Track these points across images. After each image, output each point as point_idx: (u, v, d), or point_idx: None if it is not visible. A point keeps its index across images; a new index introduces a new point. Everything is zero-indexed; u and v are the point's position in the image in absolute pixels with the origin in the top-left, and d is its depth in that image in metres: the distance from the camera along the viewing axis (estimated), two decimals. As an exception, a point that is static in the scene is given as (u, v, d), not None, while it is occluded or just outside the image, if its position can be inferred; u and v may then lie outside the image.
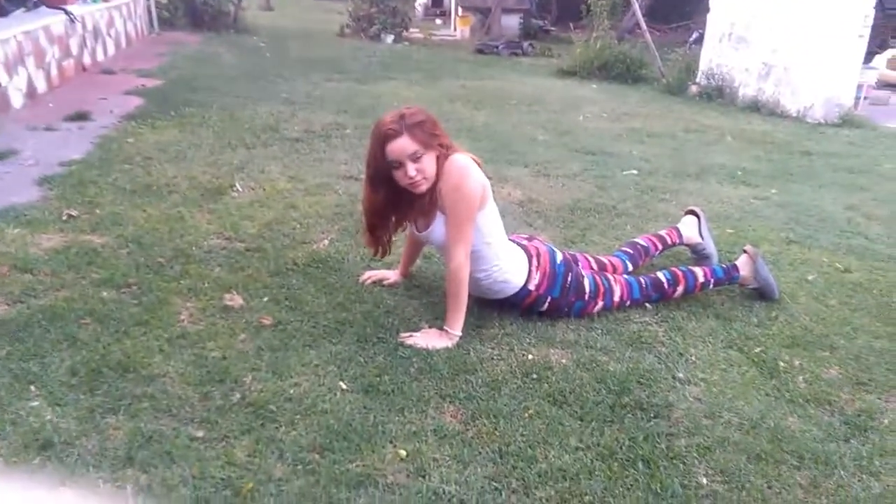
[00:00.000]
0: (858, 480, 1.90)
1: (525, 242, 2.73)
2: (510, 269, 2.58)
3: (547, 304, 2.63)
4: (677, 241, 3.22)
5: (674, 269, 2.90)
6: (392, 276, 2.85)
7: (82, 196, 3.56)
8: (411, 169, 2.30)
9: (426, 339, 2.42)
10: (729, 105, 8.09)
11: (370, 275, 2.84)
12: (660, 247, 3.16)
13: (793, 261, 3.42)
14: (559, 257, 2.70)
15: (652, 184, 4.59)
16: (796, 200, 4.46)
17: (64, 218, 3.26)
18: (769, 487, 1.85)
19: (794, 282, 3.17)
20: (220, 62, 8.66)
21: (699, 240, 3.24)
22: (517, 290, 2.60)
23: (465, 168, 2.37)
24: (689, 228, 3.25)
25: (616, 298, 2.73)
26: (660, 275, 2.85)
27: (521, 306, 2.65)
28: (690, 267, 2.94)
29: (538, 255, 2.65)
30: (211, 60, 8.72)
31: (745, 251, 3.02)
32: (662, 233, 3.23)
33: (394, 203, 2.47)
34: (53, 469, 1.71)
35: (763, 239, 3.67)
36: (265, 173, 4.17)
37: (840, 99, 7.51)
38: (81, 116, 5.22)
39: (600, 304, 2.71)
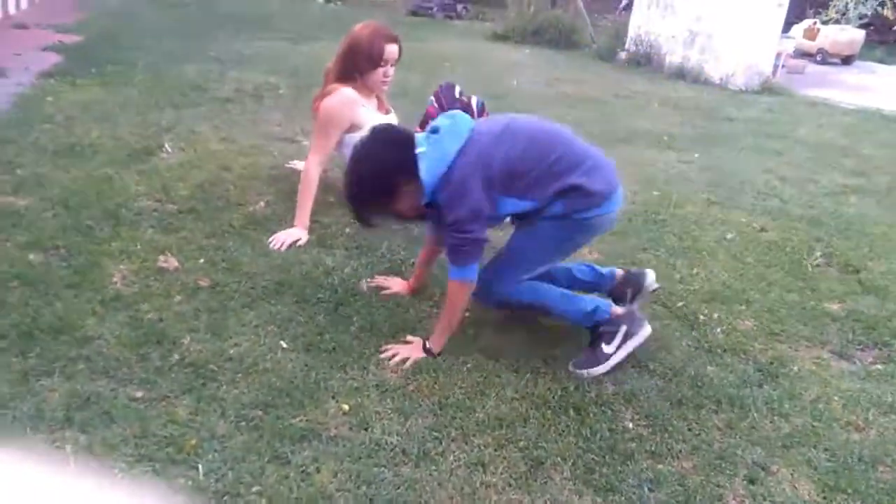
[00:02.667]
0: (770, 422, 2.06)
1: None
2: None
3: None
4: None
5: None
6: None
7: (1, 156, 3.40)
8: (391, 70, 2.80)
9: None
10: (656, 72, 8.30)
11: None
12: None
13: (713, 221, 3.60)
14: None
15: (583, 147, 4.70)
16: (718, 164, 4.66)
17: (-19, 179, 3.11)
18: (689, 430, 1.98)
19: (714, 240, 3.35)
20: (144, 18, 8.28)
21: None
22: None
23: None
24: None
25: None
26: None
27: None
28: None
29: None
30: (134, 16, 8.33)
31: None
32: None
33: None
34: (-12, 432, 1.68)
35: (687, 200, 3.84)
36: (196, 134, 4.07)
37: (760, 67, 7.82)
38: (-6, 73, 4.94)
39: None
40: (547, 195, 2.13)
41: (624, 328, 2.23)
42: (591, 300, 2.33)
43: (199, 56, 6.27)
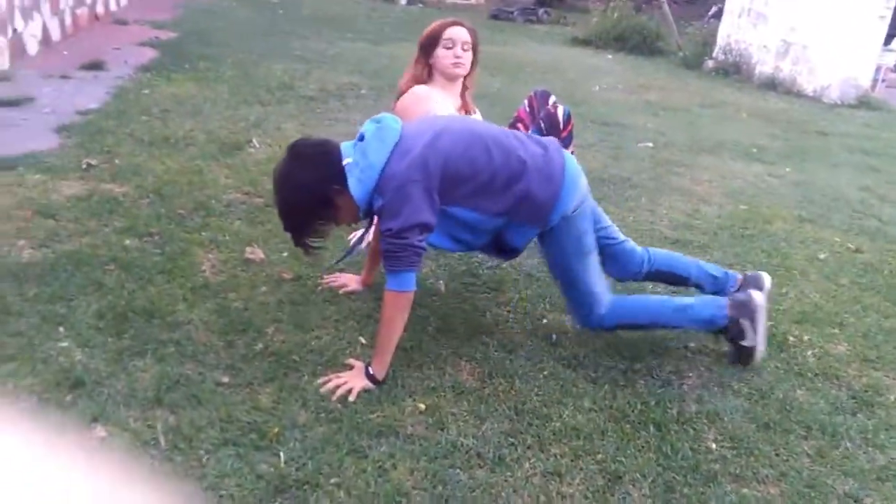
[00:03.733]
0: (864, 452, 1.95)
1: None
2: None
3: None
4: None
5: None
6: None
7: (101, 145, 3.57)
8: (460, 50, 2.68)
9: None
10: (745, 82, 8.03)
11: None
12: None
13: (805, 239, 3.45)
14: None
15: (666, 157, 4.59)
16: (810, 179, 4.47)
17: (83, 166, 3.27)
18: (776, 454, 1.90)
19: (805, 259, 3.20)
20: (234, 17, 8.58)
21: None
22: None
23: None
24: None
25: None
26: None
27: None
28: None
29: None
30: (224, 15, 8.64)
31: None
32: None
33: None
34: (85, 406, 1.76)
35: (776, 216, 3.69)
36: (281, 130, 4.18)
37: (857, 80, 7.46)
38: (96, 66, 5.20)
39: None
40: (494, 210, 2.04)
41: (746, 321, 2.21)
42: (704, 307, 2.28)
43: (285, 55, 6.45)
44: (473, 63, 2.78)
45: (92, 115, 4.06)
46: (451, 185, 1.99)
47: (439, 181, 1.96)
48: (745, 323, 2.22)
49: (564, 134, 3.06)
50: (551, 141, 2.22)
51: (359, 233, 2.38)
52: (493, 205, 2.04)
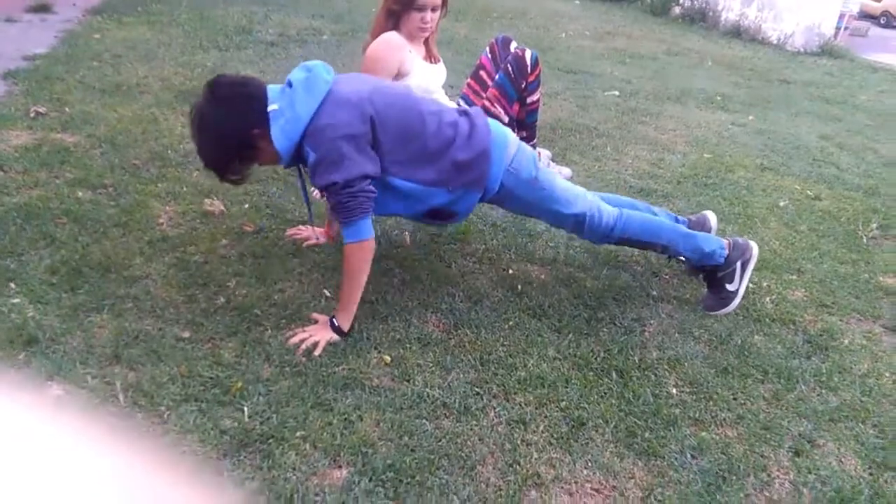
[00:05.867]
0: (817, 395, 2.01)
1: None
2: None
3: None
4: None
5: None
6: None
7: (50, 93, 3.43)
8: (429, 16, 2.58)
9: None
10: (711, 29, 8.01)
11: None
12: None
13: (766, 187, 3.49)
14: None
15: (633, 105, 4.57)
16: (772, 128, 4.50)
17: (32, 115, 3.14)
18: (734, 398, 1.95)
19: (765, 207, 3.24)
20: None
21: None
22: None
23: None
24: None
25: None
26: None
27: None
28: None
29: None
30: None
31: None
32: None
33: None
34: (40, 365, 1.72)
35: (739, 164, 3.72)
36: (240, 77, 4.04)
37: (821, 28, 7.48)
38: (43, 8, 4.96)
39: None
40: (430, 179, 2.00)
41: (738, 263, 2.31)
42: (708, 241, 2.32)
43: (244, -2, 6.21)
44: (442, 13, 2.70)
45: (40, 61, 3.89)
46: (387, 147, 1.93)
47: (374, 139, 1.90)
48: (738, 267, 2.31)
49: (532, 78, 3.02)
50: (472, 109, 2.19)
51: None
52: (428, 174, 2.00)
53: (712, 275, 2.36)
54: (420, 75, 2.62)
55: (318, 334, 1.94)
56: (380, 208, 1.99)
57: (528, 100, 3.07)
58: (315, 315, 2.04)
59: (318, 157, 1.85)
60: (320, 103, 1.86)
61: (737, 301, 2.33)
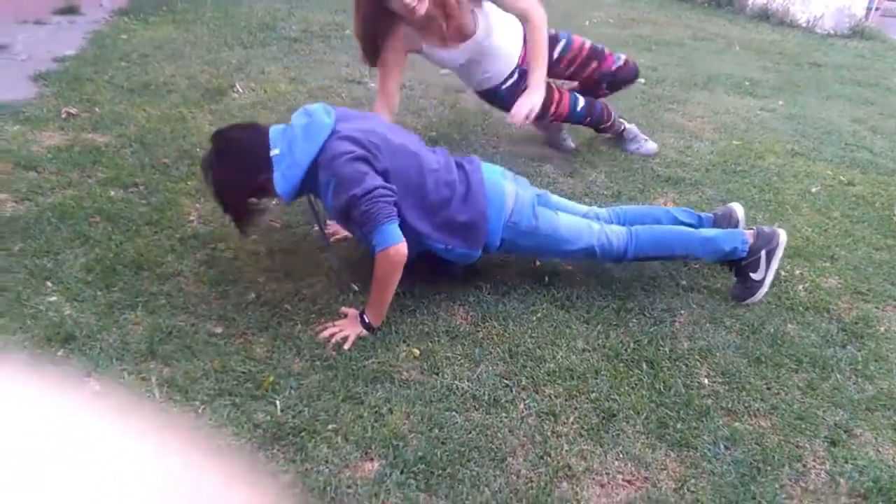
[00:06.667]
0: (853, 383, 1.98)
1: None
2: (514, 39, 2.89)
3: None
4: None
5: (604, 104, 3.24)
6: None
7: (80, 94, 3.48)
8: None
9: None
10: (738, 13, 7.86)
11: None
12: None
13: (797, 173, 3.42)
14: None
15: (659, 93, 4.51)
16: (803, 113, 4.41)
17: (63, 116, 3.20)
18: (768, 388, 1.92)
19: (797, 194, 3.19)
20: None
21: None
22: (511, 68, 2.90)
23: None
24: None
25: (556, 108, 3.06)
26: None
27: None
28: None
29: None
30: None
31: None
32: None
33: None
34: (77, 361, 1.76)
35: (769, 151, 3.66)
36: (265, 74, 4.07)
37: (851, 9, 7.30)
38: (71, 10, 5.04)
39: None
40: (424, 230, 2.02)
41: (763, 252, 2.27)
42: (729, 238, 2.29)
43: (267, -6, 6.23)
44: None
45: (69, 62, 3.95)
46: (390, 182, 1.95)
47: (384, 172, 1.94)
48: (763, 256, 2.27)
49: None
50: (469, 159, 2.19)
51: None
52: (425, 225, 2.03)
53: (738, 265, 2.32)
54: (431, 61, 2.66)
55: (348, 329, 1.95)
56: None
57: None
58: (345, 309, 2.05)
59: (336, 181, 1.89)
60: (324, 142, 1.91)
61: (763, 290, 2.29)
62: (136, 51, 4.25)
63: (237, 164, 1.95)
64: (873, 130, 4.18)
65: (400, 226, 1.95)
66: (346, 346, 1.90)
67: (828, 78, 5.40)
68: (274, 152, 1.92)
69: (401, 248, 1.92)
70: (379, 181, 1.90)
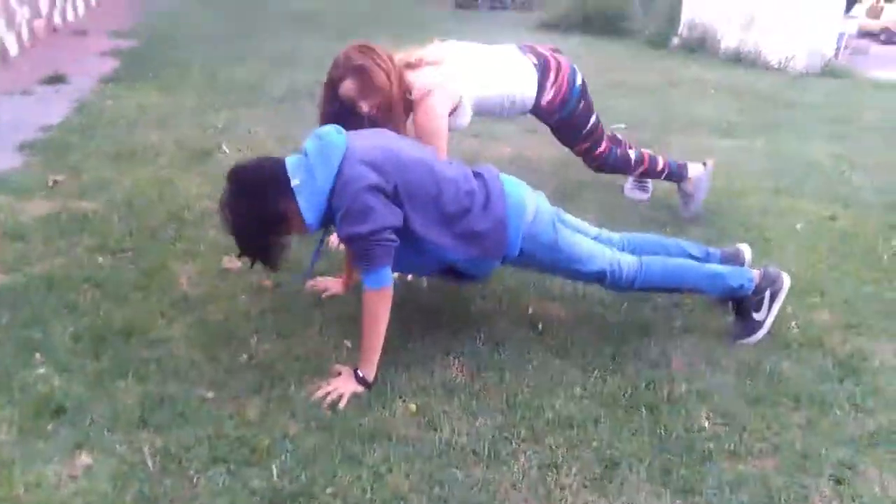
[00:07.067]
0: (853, 419, 1.96)
1: (547, 54, 2.84)
2: (516, 87, 2.75)
3: (554, 121, 2.83)
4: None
5: (643, 150, 3.20)
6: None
7: (66, 161, 3.50)
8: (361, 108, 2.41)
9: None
10: (711, 57, 8.06)
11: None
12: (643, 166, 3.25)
13: (781, 210, 3.47)
14: (579, 79, 2.87)
15: (640, 137, 4.57)
16: (782, 151, 4.50)
17: (50, 184, 3.20)
18: (768, 428, 1.91)
19: (783, 231, 3.22)
20: (194, 18, 8.44)
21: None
22: (530, 106, 2.79)
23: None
24: (693, 170, 3.30)
25: (597, 151, 3.08)
26: (630, 153, 3.20)
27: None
28: (654, 155, 3.25)
29: (557, 71, 2.79)
30: (185, 17, 8.50)
31: (704, 163, 3.28)
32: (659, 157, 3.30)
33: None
34: (68, 434, 1.72)
35: (751, 190, 3.71)
36: (252, 134, 4.12)
37: (822, 49, 7.52)
38: (57, 79, 5.09)
39: (587, 145, 3.05)
40: (444, 242, 2.01)
41: (768, 292, 2.28)
42: (736, 275, 2.30)
43: (251, 56, 6.34)
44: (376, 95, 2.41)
45: (55, 131, 3.98)
46: (405, 200, 1.94)
47: (394, 192, 1.92)
48: (767, 296, 2.28)
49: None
50: (486, 168, 2.19)
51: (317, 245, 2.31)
52: (445, 238, 2.01)
53: (740, 303, 2.33)
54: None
55: (343, 387, 1.93)
56: (397, 264, 1.99)
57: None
58: (338, 367, 2.03)
59: (345, 210, 1.89)
60: (339, 167, 1.90)
61: (763, 331, 2.30)
62: (123, 117, 4.29)
63: (257, 199, 1.92)
64: (852, 165, 4.26)
65: (419, 243, 1.97)
66: (341, 405, 1.88)
67: (804, 116, 5.53)
68: (294, 182, 1.90)
69: (389, 290, 1.94)
70: (385, 220, 1.89)
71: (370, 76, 2.38)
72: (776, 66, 7.53)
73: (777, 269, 2.35)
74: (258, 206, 1.92)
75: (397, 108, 2.47)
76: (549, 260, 2.19)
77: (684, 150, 4.36)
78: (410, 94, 2.48)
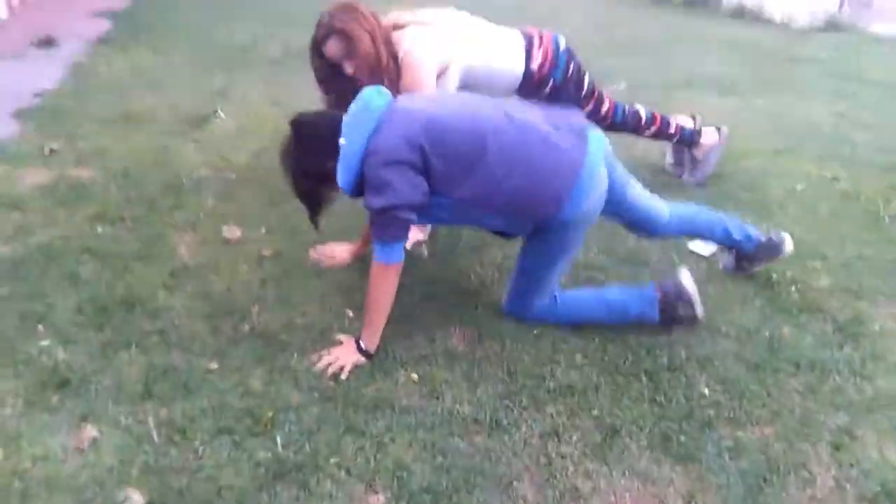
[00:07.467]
0: (853, 385, 1.98)
1: (529, 28, 2.80)
2: (505, 56, 2.66)
3: (549, 87, 2.74)
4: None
5: (654, 112, 3.11)
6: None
7: (62, 128, 3.45)
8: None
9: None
10: (713, 12, 7.92)
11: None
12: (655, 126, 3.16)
13: (781, 172, 3.45)
14: (562, 43, 2.80)
15: (641, 96, 4.52)
16: (783, 110, 4.45)
17: (46, 152, 3.17)
18: (768, 395, 1.93)
19: (783, 192, 3.21)
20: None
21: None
22: (520, 76, 2.68)
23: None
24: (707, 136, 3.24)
25: (603, 109, 2.96)
26: (640, 109, 3.10)
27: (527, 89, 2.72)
28: (666, 116, 3.17)
29: (540, 37, 2.74)
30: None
31: (719, 128, 3.24)
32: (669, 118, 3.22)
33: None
34: (73, 406, 1.74)
35: (752, 150, 3.68)
36: (247, 99, 4.06)
37: (824, 2, 7.39)
38: (49, 42, 4.98)
39: (591, 105, 2.93)
40: (483, 205, 1.93)
41: (679, 305, 2.13)
42: (635, 303, 2.15)
43: (245, 16, 6.22)
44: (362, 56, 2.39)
45: (49, 97, 3.92)
46: (441, 172, 1.89)
47: (425, 165, 1.87)
48: (679, 311, 2.14)
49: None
50: (572, 117, 2.05)
51: None
52: (490, 202, 1.93)
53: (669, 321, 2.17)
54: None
55: (345, 357, 1.94)
56: (428, 217, 2.01)
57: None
58: (341, 337, 2.04)
59: (367, 180, 1.89)
60: (372, 132, 1.87)
61: (700, 316, 2.16)
62: (116, 81, 4.22)
63: (308, 153, 1.96)
64: (854, 123, 4.22)
65: (456, 208, 1.93)
66: (343, 376, 1.89)
67: (806, 73, 5.45)
68: (342, 142, 1.90)
69: (397, 267, 1.94)
70: (403, 197, 1.85)
71: (353, 37, 2.37)
72: (778, 21, 7.40)
73: (672, 279, 2.20)
74: (307, 161, 1.96)
75: (387, 68, 2.43)
76: (546, 253, 2.07)
77: (686, 109, 4.31)
78: (397, 55, 2.45)
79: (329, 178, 1.93)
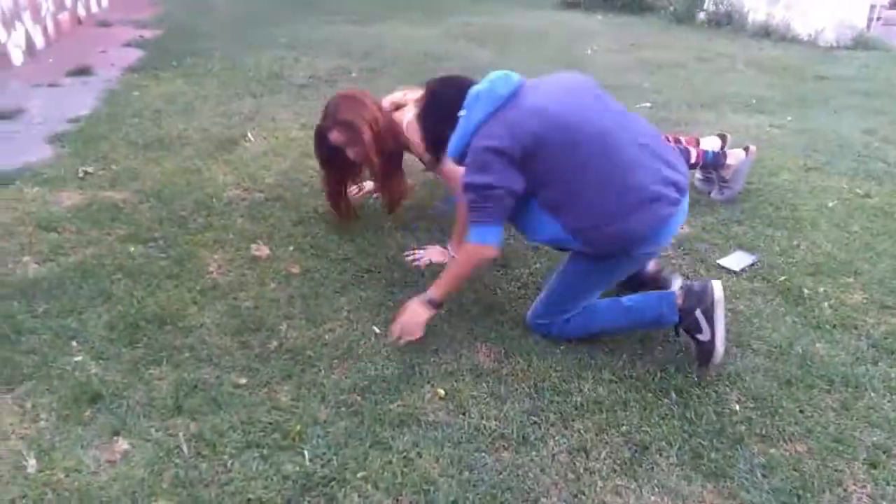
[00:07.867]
0: (888, 401, 1.94)
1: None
2: None
3: None
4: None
5: (673, 144, 3.10)
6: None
7: (95, 152, 3.55)
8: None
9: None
10: (739, 31, 7.90)
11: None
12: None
13: (812, 188, 3.41)
14: None
15: (666, 116, 4.53)
16: (813, 127, 4.40)
17: (80, 175, 3.25)
18: (801, 411, 1.89)
19: (814, 209, 3.16)
20: (216, 7, 8.46)
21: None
22: None
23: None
24: (708, 143, 3.26)
25: None
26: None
27: None
28: (687, 147, 3.15)
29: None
30: (205, 4, 8.52)
31: (746, 148, 3.22)
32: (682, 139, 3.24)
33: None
34: (105, 421, 1.76)
35: (781, 167, 3.64)
36: (276, 121, 4.13)
37: (852, 20, 7.32)
38: (84, 71, 5.14)
39: None
40: (563, 225, 1.97)
41: (698, 311, 2.00)
42: (653, 306, 2.10)
43: (273, 43, 6.35)
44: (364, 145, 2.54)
45: (84, 122, 4.03)
46: (540, 173, 1.93)
47: (523, 159, 1.91)
48: (698, 315, 2.00)
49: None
50: (680, 165, 2.08)
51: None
52: (568, 221, 1.97)
53: (686, 331, 2.06)
54: None
55: (409, 322, 2.04)
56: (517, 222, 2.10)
57: None
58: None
59: (468, 160, 1.98)
60: (489, 114, 1.96)
61: (719, 349, 1.98)
62: (149, 107, 4.33)
63: (434, 116, 2.12)
64: (885, 140, 4.16)
65: (536, 213, 2.00)
66: (417, 334, 2.04)
67: (834, 90, 5.40)
68: (462, 113, 2.01)
69: (489, 250, 2.01)
70: (503, 179, 1.92)
71: (356, 128, 2.53)
72: (805, 39, 7.36)
73: (701, 282, 2.07)
74: (432, 118, 2.13)
75: (388, 149, 2.63)
76: (589, 274, 2.10)
77: (713, 128, 4.29)
78: (400, 133, 2.64)
79: (442, 141, 2.06)
